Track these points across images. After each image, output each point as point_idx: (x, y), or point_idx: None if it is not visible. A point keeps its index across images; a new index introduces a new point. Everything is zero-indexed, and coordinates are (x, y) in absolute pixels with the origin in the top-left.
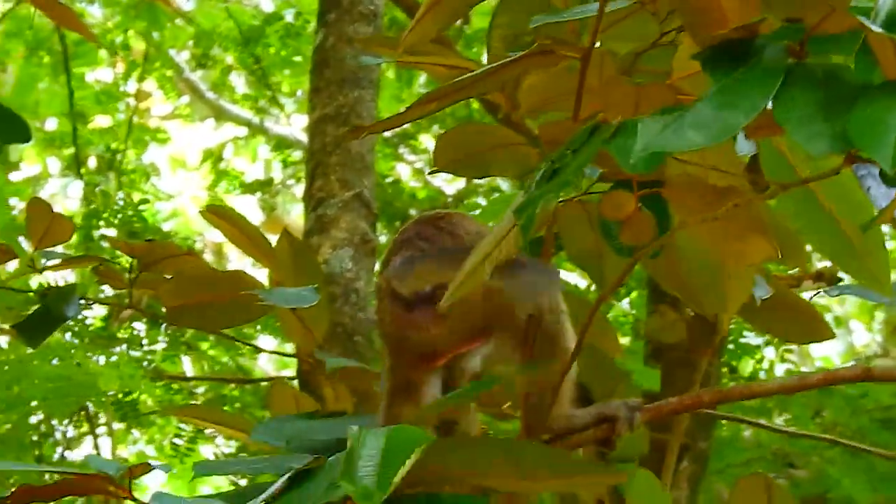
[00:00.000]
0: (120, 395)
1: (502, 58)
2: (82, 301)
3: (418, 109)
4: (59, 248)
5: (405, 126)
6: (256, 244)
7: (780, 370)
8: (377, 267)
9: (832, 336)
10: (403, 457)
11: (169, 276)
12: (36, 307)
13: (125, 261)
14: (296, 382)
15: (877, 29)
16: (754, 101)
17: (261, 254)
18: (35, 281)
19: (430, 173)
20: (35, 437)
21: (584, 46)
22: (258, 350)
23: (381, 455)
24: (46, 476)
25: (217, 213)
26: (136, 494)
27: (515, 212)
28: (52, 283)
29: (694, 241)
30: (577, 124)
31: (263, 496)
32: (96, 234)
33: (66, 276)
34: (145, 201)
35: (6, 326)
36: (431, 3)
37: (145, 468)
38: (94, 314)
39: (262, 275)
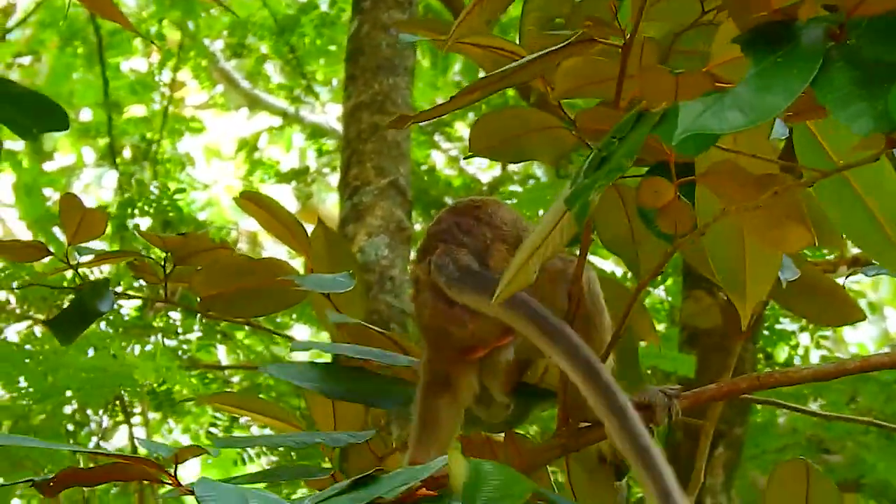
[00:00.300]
0: (155, 385)
1: (536, 41)
2: (118, 293)
3: (461, 99)
4: (94, 241)
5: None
6: (292, 231)
7: (815, 356)
8: (412, 255)
9: (863, 318)
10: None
11: (201, 268)
12: (70, 302)
13: (158, 252)
14: None
15: None
16: (794, 83)
17: (296, 241)
18: (70, 273)
19: (465, 158)
20: (70, 427)
21: (625, 32)
22: (291, 339)
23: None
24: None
25: (252, 200)
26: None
27: (567, 201)
28: (87, 276)
29: (723, 225)
30: (617, 112)
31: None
32: (130, 223)
33: (101, 267)
34: (180, 191)
35: (41, 317)
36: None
37: (194, 451)
38: (130, 304)
39: (298, 264)
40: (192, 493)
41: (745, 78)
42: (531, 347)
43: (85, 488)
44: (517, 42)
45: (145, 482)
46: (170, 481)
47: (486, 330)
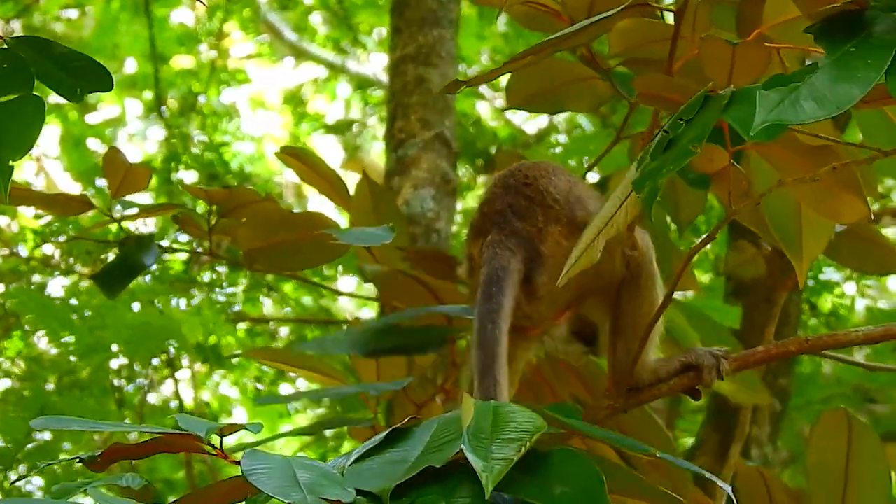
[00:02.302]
0: (201, 339)
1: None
2: (162, 246)
3: (515, 64)
4: (139, 195)
5: (485, 64)
6: (333, 185)
7: (860, 304)
8: (459, 207)
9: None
10: (527, 442)
11: (245, 220)
12: (115, 256)
13: (203, 205)
14: None
15: None
16: (869, 73)
17: (337, 195)
18: (115, 227)
19: (503, 110)
20: (116, 382)
21: None
22: (336, 293)
23: (506, 437)
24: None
25: (293, 155)
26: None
27: (635, 184)
28: (132, 231)
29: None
30: (671, 77)
31: (358, 452)
32: (175, 177)
33: (146, 221)
34: (224, 144)
35: (86, 271)
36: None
37: (235, 428)
38: (175, 258)
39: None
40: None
41: (820, 68)
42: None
43: None
44: None
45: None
46: (216, 453)
47: (542, 311)
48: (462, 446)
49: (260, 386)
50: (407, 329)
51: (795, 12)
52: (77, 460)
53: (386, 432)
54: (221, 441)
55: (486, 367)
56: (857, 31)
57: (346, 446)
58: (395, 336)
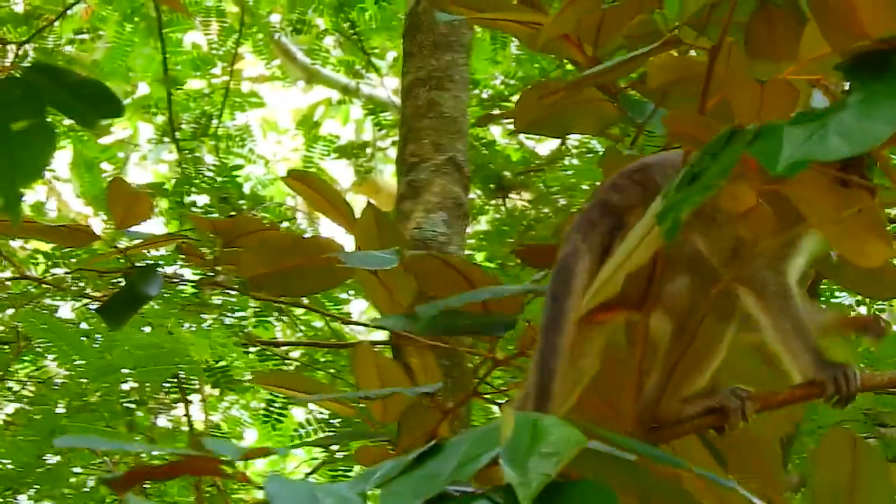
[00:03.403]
0: (212, 362)
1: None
2: (174, 272)
3: (548, 98)
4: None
5: (498, 86)
6: (339, 210)
7: None
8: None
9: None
10: (565, 457)
11: (248, 249)
12: (119, 287)
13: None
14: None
15: None
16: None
17: (344, 220)
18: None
19: (510, 133)
20: (127, 405)
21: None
22: (342, 320)
23: (544, 452)
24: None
25: (300, 179)
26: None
27: (658, 217)
28: (144, 255)
29: None
30: (703, 117)
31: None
32: (187, 200)
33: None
34: (237, 167)
35: (97, 295)
36: None
37: (263, 452)
38: (186, 280)
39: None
40: (261, 488)
41: (848, 104)
42: None
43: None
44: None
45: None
46: (239, 477)
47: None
48: (501, 459)
49: (271, 406)
50: (473, 312)
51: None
52: (102, 482)
53: (421, 449)
54: (246, 467)
55: (543, 359)
56: (885, 69)
57: (357, 469)
58: (462, 318)
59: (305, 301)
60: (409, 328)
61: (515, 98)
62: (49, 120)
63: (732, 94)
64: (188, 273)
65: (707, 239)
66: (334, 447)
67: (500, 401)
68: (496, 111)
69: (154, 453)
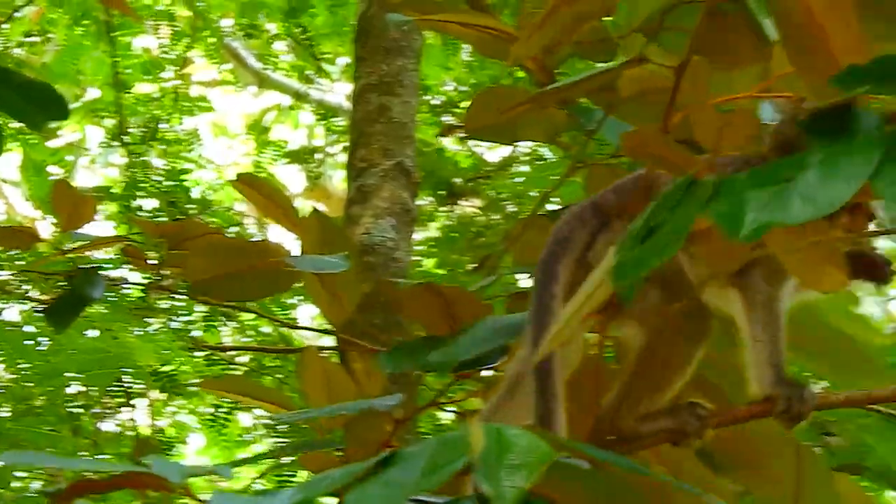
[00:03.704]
0: (158, 367)
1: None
2: (111, 278)
3: (513, 110)
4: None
5: (449, 92)
6: (288, 215)
7: None
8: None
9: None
10: (535, 469)
11: (193, 252)
12: (63, 290)
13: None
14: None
15: None
16: (858, 172)
17: (292, 225)
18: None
19: (462, 138)
20: (72, 409)
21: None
22: (289, 325)
23: (516, 464)
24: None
25: (248, 183)
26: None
27: (614, 273)
28: (85, 260)
29: None
30: (664, 135)
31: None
32: (135, 203)
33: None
34: (186, 171)
35: (42, 297)
36: (542, 20)
37: (206, 471)
38: (133, 283)
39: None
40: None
41: (810, 165)
42: None
43: None
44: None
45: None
46: (182, 492)
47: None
48: (474, 472)
49: (217, 410)
50: (468, 342)
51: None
52: (43, 495)
53: (378, 457)
54: (189, 485)
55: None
56: (845, 127)
57: (303, 474)
58: (460, 349)
59: (252, 306)
60: (432, 367)
61: (466, 104)
62: None
63: (693, 117)
64: (135, 277)
65: (687, 255)
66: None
67: (449, 409)
68: (448, 118)
69: (97, 469)
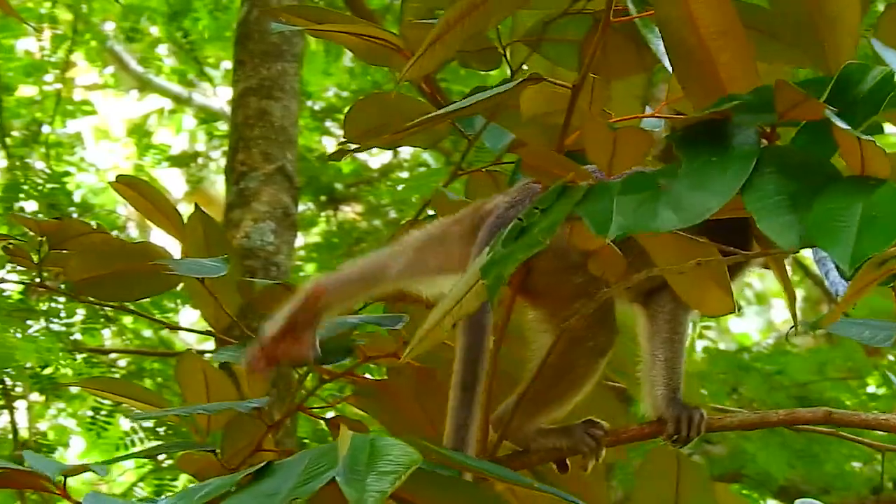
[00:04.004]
0: (38, 368)
1: (415, 32)
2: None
3: (408, 132)
4: None
5: (331, 98)
6: (168, 217)
7: (699, 346)
8: (300, 242)
9: (733, 311)
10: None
11: (75, 252)
12: None
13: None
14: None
15: (843, 126)
16: (727, 185)
17: (172, 227)
18: None
19: (340, 144)
20: None
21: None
22: (170, 327)
23: (381, 470)
24: None
25: (128, 185)
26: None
27: (482, 270)
28: None
29: None
30: (559, 153)
31: (205, 491)
32: (17, 206)
33: None
34: (67, 174)
35: None
36: (434, 38)
37: (80, 469)
38: (13, 285)
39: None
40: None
41: (679, 176)
42: None
43: None
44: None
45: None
46: (59, 493)
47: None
48: (337, 478)
49: (98, 414)
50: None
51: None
52: None
53: (257, 467)
54: (66, 481)
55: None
56: (718, 140)
57: (184, 479)
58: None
59: (132, 307)
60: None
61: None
62: None
63: (585, 136)
64: (14, 278)
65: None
66: (161, 456)
67: (327, 415)
68: (329, 123)
69: None
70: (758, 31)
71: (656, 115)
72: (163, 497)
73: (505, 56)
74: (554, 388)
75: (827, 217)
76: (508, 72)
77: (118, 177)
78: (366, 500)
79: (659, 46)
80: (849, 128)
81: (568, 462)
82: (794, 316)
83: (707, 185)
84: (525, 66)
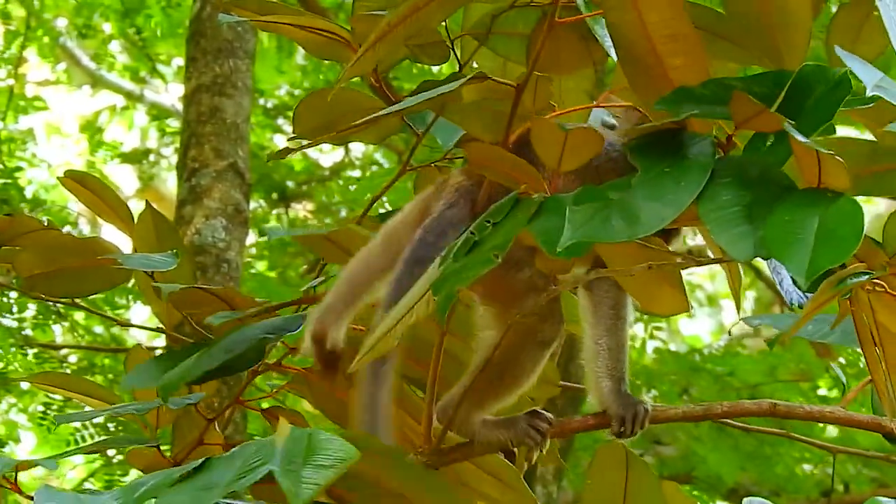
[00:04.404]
0: None
1: (366, 26)
2: None
3: (352, 129)
4: None
5: (283, 97)
6: (118, 212)
7: (650, 346)
8: (251, 239)
9: (686, 310)
10: (335, 470)
11: (24, 248)
12: None
13: None
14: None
15: (801, 138)
16: (682, 195)
17: (123, 223)
18: None
19: (290, 139)
20: None
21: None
22: (119, 323)
23: (318, 464)
24: None
25: (78, 180)
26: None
27: (433, 285)
28: None
29: None
30: (505, 150)
31: (149, 485)
32: None
33: None
34: (19, 169)
35: None
36: (373, 41)
37: (30, 464)
38: None
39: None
40: (31, 498)
41: (633, 185)
42: None
43: None
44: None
45: None
46: (10, 487)
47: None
48: (273, 469)
49: (49, 410)
50: (222, 347)
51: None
52: None
53: (196, 462)
54: (16, 476)
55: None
56: (673, 150)
57: (134, 473)
58: (213, 357)
59: (84, 303)
60: (177, 380)
61: None
62: None
63: (534, 137)
64: None
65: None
66: (111, 452)
67: (266, 406)
68: (281, 121)
69: None
70: (710, 33)
71: (600, 105)
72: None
73: (453, 50)
74: (499, 380)
75: (783, 229)
76: (458, 66)
77: (67, 172)
78: (301, 492)
79: (606, 40)
80: (808, 141)
81: (515, 451)
82: (738, 304)
83: (661, 196)
84: (474, 61)
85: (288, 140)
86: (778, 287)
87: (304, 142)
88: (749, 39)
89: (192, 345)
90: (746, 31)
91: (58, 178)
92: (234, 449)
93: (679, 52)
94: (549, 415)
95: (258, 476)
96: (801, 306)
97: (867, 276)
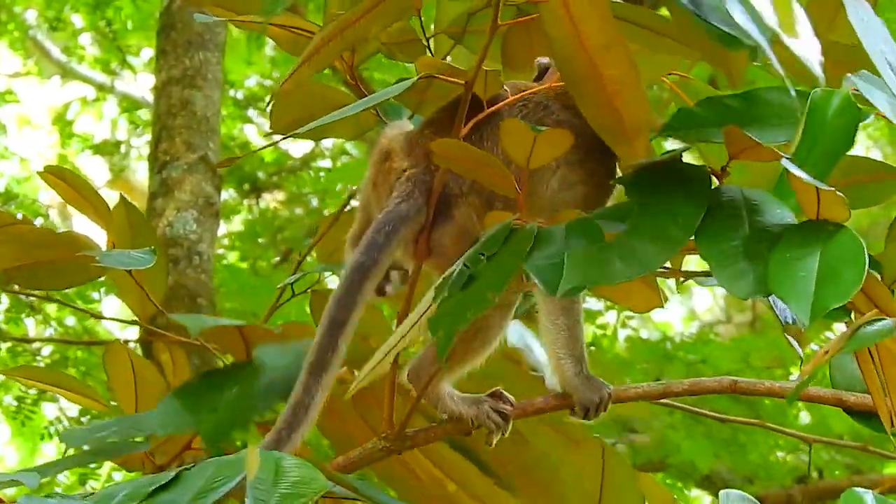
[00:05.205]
0: None
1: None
2: None
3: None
4: None
5: (253, 88)
6: (94, 206)
7: (621, 335)
8: (223, 230)
9: (661, 305)
10: (309, 499)
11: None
12: None
13: None
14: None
15: (801, 175)
16: (679, 233)
17: (99, 217)
18: None
19: (267, 134)
20: None
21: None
22: (93, 315)
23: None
24: None
25: (56, 174)
26: None
27: (431, 324)
28: None
29: None
30: (465, 144)
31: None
32: None
33: None
34: None
35: None
36: (309, 53)
37: (12, 483)
38: None
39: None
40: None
41: (631, 224)
42: None
43: None
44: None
45: None
46: None
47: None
48: (247, 496)
49: (21, 402)
50: (268, 386)
51: None
52: None
53: (163, 478)
54: None
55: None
56: (669, 184)
57: (108, 466)
58: (258, 397)
59: (57, 296)
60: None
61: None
62: None
63: (504, 138)
64: None
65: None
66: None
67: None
68: (252, 112)
69: None
70: (653, 32)
71: (542, 87)
72: (78, 492)
73: (429, 47)
74: (469, 344)
75: (784, 267)
76: None
77: (45, 167)
78: None
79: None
80: (808, 177)
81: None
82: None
83: (659, 235)
84: (449, 58)
85: (264, 136)
86: (772, 304)
87: (277, 137)
88: (692, 38)
89: (209, 375)
90: (690, 31)
91: (37, 172)
92: (201, 464)
93: (612, 62)
94: (510, 397)
95: (217, 496)
96: (794, 322)
97: (888, 330)
